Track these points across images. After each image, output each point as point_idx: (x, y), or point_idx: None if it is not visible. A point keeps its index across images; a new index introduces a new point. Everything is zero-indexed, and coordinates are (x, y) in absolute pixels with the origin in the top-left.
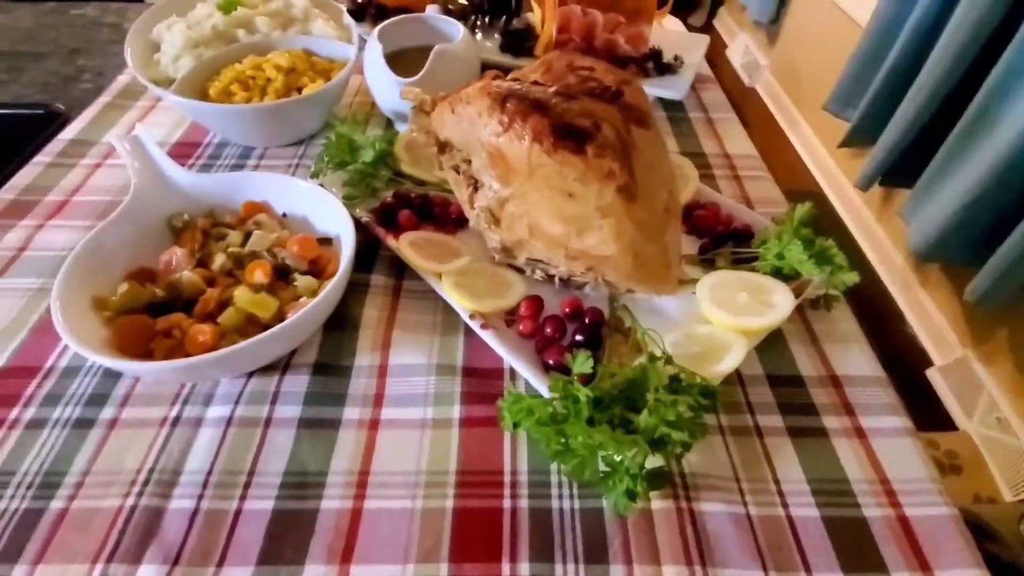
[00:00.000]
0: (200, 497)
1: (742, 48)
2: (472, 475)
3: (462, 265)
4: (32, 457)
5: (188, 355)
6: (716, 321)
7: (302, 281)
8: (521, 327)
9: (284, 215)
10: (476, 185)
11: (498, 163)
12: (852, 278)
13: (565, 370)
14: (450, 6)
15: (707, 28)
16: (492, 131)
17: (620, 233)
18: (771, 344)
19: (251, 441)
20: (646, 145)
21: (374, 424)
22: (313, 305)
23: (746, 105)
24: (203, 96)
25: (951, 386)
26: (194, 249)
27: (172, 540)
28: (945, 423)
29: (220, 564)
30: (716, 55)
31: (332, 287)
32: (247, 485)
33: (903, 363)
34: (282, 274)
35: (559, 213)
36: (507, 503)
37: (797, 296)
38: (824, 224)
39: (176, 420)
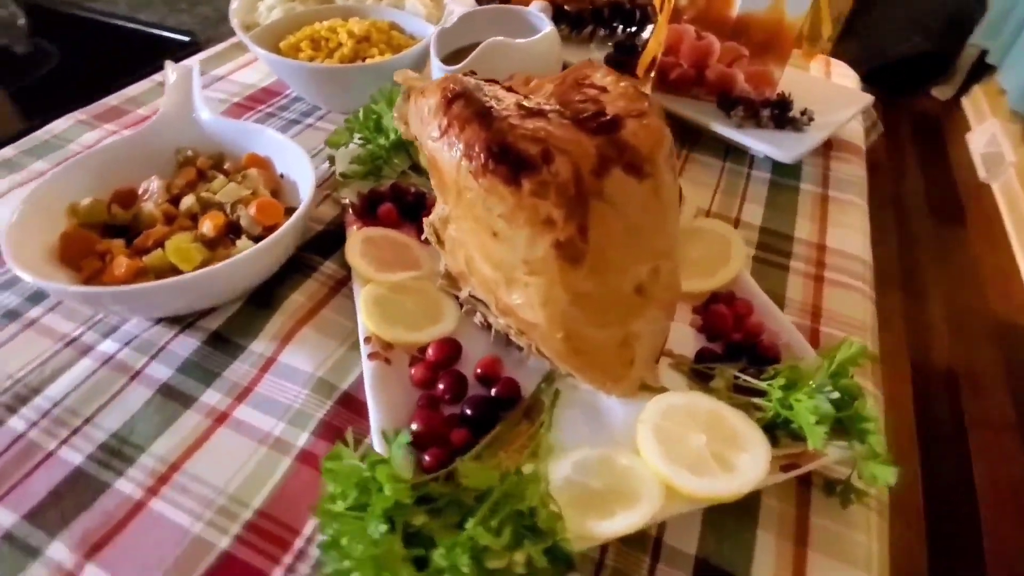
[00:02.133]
0: (33, 424)
1: (987, 136)
2: (268, 522)
3: (398, 280)
4: None
5: (103, 283)
6: (644, 456)
7: (241, 245)
8: (413, 371)
9: (282, 176)
10: None
11: (434, 172)
12: (887, 476)
13: (432, 443)
14: (566, 7)
15: (954, 104)
16: (431, 133)
17: (549, 301)
18: (729, 517)
19: (110, 388)
20: (629, 200)
21: (222, 418)
22: (212, 270)
23: (972, 201)
24: (277, 48)
25: None
26: (172, 184)
27: None
28: None
29: None
30: (953, 137)
31: (243, 256)
32: (75, 431)
33: None
34: (236, 232)
35: (485, 253)
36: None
37: (786, 470)
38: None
39: (72, 341)
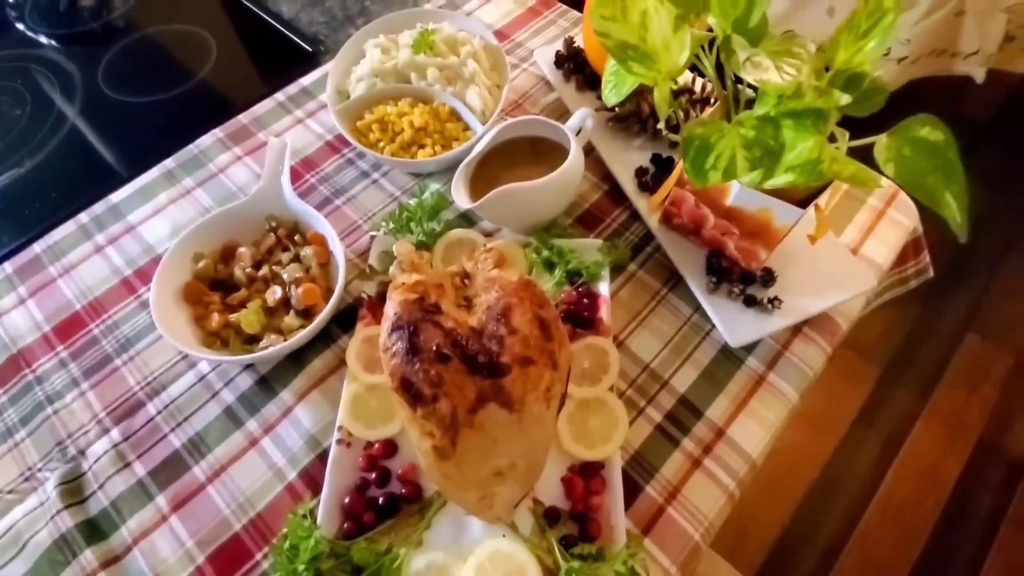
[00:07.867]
0: (159, 412)
1: None
2: (261, 522)
3: (374, 381)
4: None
5: (205, 327)
6: None
7: (287, 320)
8: (361, 458)
9: (332, 253)
10: None
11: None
12: None
13: (351, 517)
14: (618, 109)
15: None
16: (380, 341)
17: (428, 471)
18: None
19: (199, 400)
20: (496, 425)
21: (254, 443)
22: (261, 355)
23: None
24: (356, 121)
25: None
26: (257, 252)
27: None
28: None
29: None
30: None
31: (279, 348)
32: (179, 424)
33: None
34: (287, 303)
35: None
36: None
37: None
38: None
39: (186, 355)
